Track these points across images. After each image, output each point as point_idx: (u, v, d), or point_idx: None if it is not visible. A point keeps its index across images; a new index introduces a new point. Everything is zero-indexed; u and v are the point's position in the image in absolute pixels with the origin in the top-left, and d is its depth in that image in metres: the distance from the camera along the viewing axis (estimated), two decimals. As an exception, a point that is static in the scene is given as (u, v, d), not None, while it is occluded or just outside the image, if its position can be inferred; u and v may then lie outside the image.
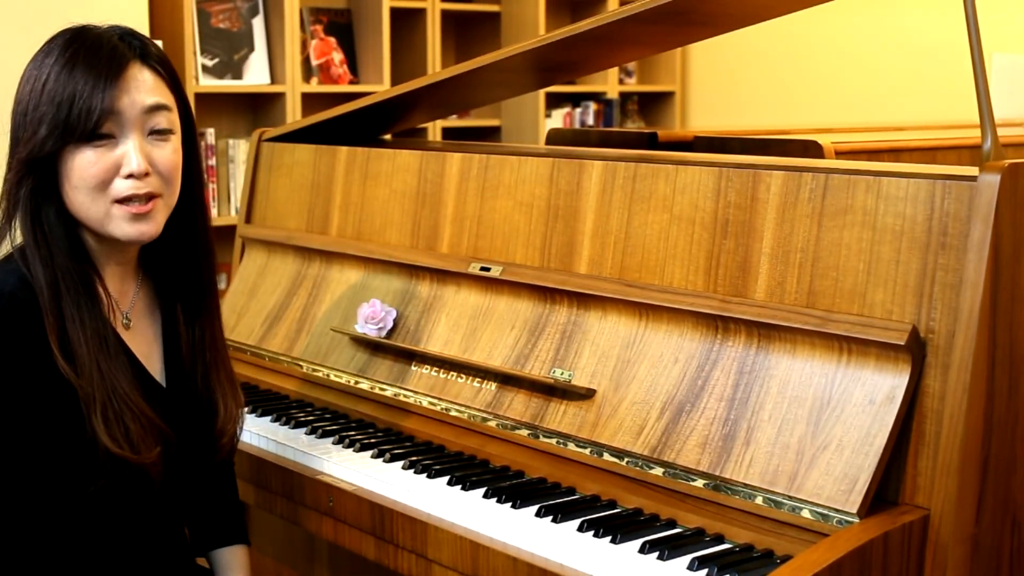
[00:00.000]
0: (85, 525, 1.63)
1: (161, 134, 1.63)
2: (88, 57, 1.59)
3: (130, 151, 1.59)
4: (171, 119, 1.64)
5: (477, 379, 2.03)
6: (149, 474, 1.61)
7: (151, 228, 1.63)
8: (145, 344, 1.73)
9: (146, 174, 1.60)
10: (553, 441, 1.88)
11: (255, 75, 4.77)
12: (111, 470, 1.58)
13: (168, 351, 1.76)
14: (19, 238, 1.63)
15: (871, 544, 1.45)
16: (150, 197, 1.61)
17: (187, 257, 1.75)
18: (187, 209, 1.71)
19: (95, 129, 1.57)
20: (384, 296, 2.24)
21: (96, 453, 1.57)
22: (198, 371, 1.75)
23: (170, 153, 1.64)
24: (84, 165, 1.58)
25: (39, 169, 1.58)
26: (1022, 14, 4.88)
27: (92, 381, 1.56)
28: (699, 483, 1.68)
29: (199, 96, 4.56)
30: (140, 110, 1.60)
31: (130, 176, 1.59)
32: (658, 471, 1.73)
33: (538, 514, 1.71)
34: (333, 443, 2.04)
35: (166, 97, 1.64)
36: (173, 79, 1.67)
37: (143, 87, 1.61)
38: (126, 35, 1.65)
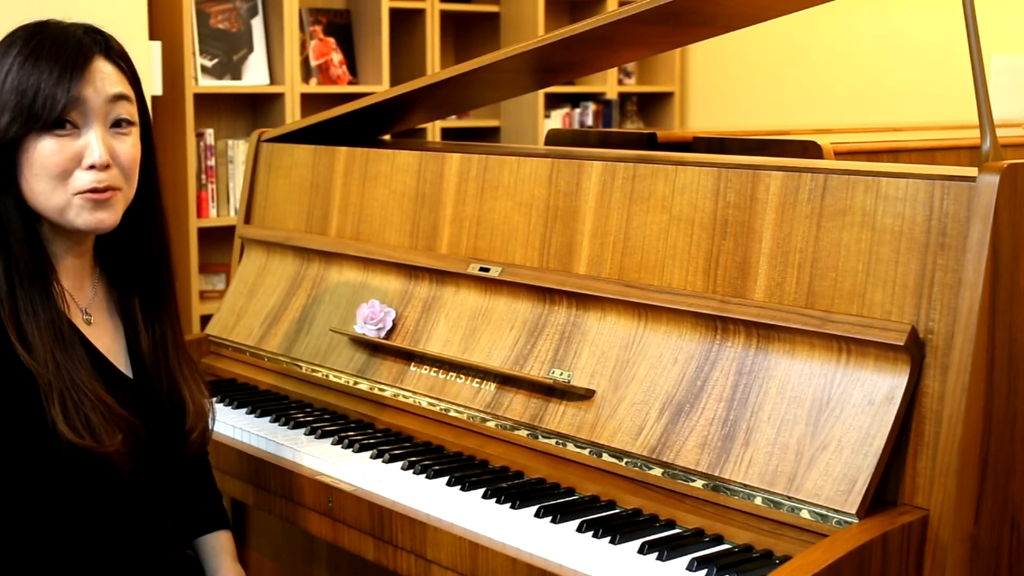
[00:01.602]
0: (60, 520, 1.63)
1: (122, 125, 1.65)
2: (53, 48, 1.61)
3: (93, 142, 1.61)
4: (132, 111, 1.67)
5: (476, 380, 2.03)
6: (115, 464, 1.61)
7: (110, 217, 1.65)
8: (108, 339, 1.74)
9: (107, 166, 1.62)
10: (552, 441, 1.88)
11: (254, 75, 4.77)
12: (76, 461, 1.58)
13: (132, 346, 1.77)
14: None
15: (870, 544, 1.45)
16: (109, 189, 1.63)
17: (143, 254, 1.76)
18: (144, 205, 1.73)
19: (59, 117, 1.59)
20: (383, 296, 2.24)
21: (60, 445, 1.57)
22: (162, 369, 1.76)
23: (130, 147, 1.66)
24: (46, 154, 1.60)
25: None
26: (1021, 15, 4.89)
27: (48, 371, 1.57)
28: (698, 483, 1.68)
29: (198, 96, 4.56)
30: (104, 99, 1.63)
31: (92, 167, 1.61)
32: (657, 471, 1.73)
33: (537, 514, 1.71)
34: (332, 443, 2.04)
35: (127, 89, 1.67)
36: (133, 74, 1.70)
37: (107, 79, 1.64)
38: (90, 30, 1.67)
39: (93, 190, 1.62)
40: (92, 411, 1.58)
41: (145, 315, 1.76)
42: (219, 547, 1.89)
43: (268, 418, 2.20)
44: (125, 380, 1.72)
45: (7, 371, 1.57)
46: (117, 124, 1.65)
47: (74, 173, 1.61)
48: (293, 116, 4.74)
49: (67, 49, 1.61)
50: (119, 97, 1.64)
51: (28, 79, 1.59)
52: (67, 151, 1.61)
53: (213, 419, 1.84)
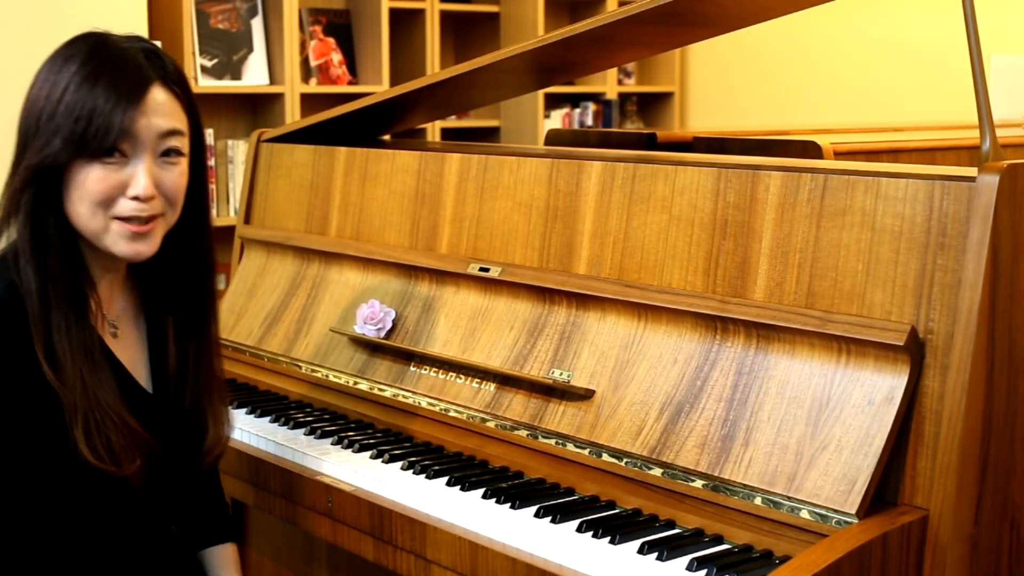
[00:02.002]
0: (68, 530, 1.62)
1: (171, 155, 1.63)
2: (112, 73, 1.58)
3: (139, 174, 1.59)
4: (183, 142, 1.65)
5: (476, 380, 2.03)
6: (130, 485, 1.61)
7: (148, 248, 1.63)
8: (131, 351, 1.73)
9: (151, 197, 1.60)
10: (552, 442, 1.88)
11: (254, 76, 4.77)
12: (92, 478, 1.58)
13: (154, 358, 1.75)
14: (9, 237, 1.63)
15: (870, 545, 1.45)
16: (151, 218, 1.62)
17: (185, 276, 1.74)
18: (190, 229, 1.71)
19: (109, 147, 1.57)
20: (383, 297, 2.24)
21: (78, 462, 1.56)
22: (187, 389, 1.75)
23: (177, 176, 1.64)
24: (91, 181, 1.57)
25: (45, 177, 1.58)
26: (1021, 15, 4.89)
27: (75, 392, 1.56)
28: (698, 484, 1.68)
29: (198, 96, 4.51)
30: (155, 134, 1.60)
31: (135, 198, 1.59)
32: (657, 472, 1.73)
33: (537, 514, 1.71)
34: (332, 444, 2.04)
35: (181, 122, 1.64)
36: (189, 100, 1.67)
37: (161, 110, 1.61)
38: (149, 53, 1.64)
39: (134, 219, 1.60)
40: (114, 432, 1.57)
41: (178, 336, 1.74)
42: (225, 560, 1.89)
43: (268, 418, 2.20)
44: (144, 395, 1.72)
45: (31, 388, 1.55)
46: (166, 154, 1.62)
47: (117, 200, 1.59)
48: (293, 116, 4.74)
49: (126, 74, 1.58)
50: (171, 133, 1.62)
51: (84, 104, 1.55)
52: (112, 180, 1.58)
53: (228, 440, 1.83)
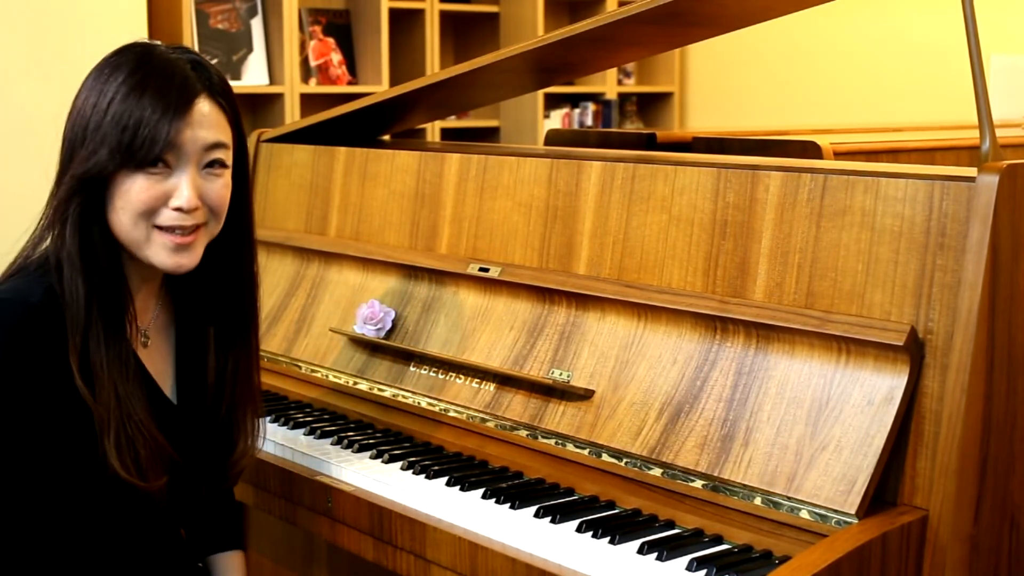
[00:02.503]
0: (84, 535, 1.62)
1: (215, 166, 1.63)
2: (158, 83, 1.58)
3: (182, 185, 1.59)
4: (227, 155, 1.64)
5: (476, 380, 2.03)
6: (153, 498, 1.61)
7: (189, 260, 1.62)
8: (160, 361, 1.73)
9: (195, 208, 1.60)
10: (552, 442, 1.88)
11: (254, 76, 4.77)
12: (115, 487, 1.58)
13: (182, 369, 1.75)
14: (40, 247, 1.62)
15: (869, 545, 1.45)
16: (194, 228, 1.61)
17: (227, 288, 1.73)
18: (233, 240, 1.70)
19: (155, 158, 1.57)
20: (383, 297, 2.24)
21: (103, 472, 1.56)
22: (223, 402, 1.74)
23: (220, 187, 1.64)
24: (135, 191, 1.57)
25: (91, 187, 1.57)
26: (1021, 15, 4.89)
27: (108, 405, 1.55)
28: (698, 484, 1.68)
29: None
30: (200, 146, 1.60)
31: (178, 209, 1.59)
32: (657, 472, 1.73)
33: (537, 515, 1.71)
34: (332, 444, 2.04)
35: (225, 134, 1.64)
36: (234, 112, 1.67)
37: (206, 122, 1.61)
38: (196, 64, 1.64)
39: (177, 229, 1.59)
40: (143, 447, 1.57)
41: (218, 348, 1.74)
42: (231, 567, 1.89)
43: (268, 418, 2.20)
44: (169, 406, 1.71)
45: (61, 396, 1.55)
46: (210, 165, 1.62)
47: (160, 210, 1.59)
48: (293, 116, 4.74)
49: (172, 86, 1.58)
50: (216, 145, 1.62)
51: (131, 115, 1.55)
52: (156, 190, 1.58)
53: (258, 448, 1.83)
